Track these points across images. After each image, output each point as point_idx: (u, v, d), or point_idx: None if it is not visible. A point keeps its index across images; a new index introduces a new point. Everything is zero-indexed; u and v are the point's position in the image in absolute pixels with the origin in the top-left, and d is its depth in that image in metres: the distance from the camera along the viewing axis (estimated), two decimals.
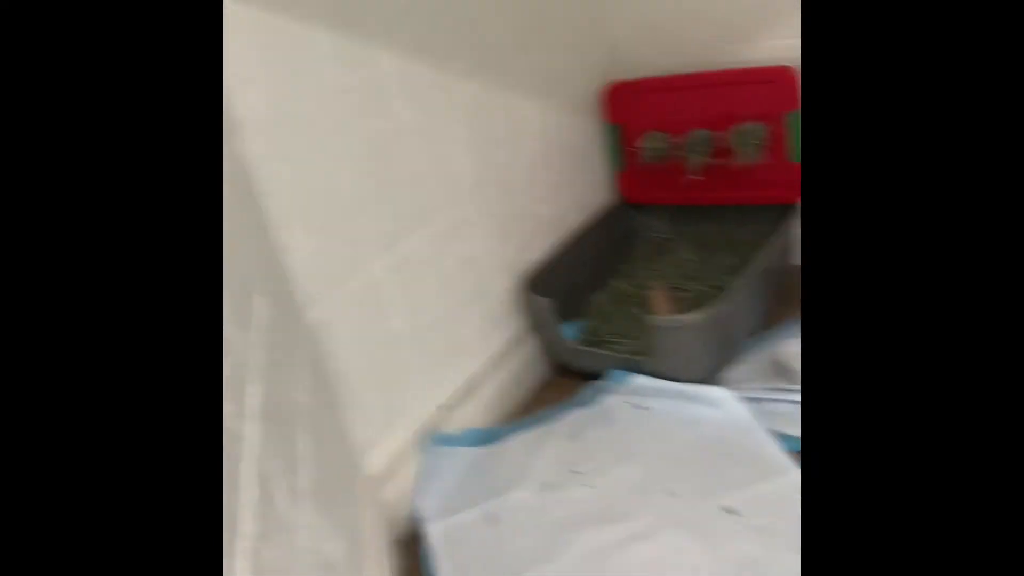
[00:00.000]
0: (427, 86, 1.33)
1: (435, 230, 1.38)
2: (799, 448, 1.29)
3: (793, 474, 1.24)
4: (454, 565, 1.23)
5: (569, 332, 1.62)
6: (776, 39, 1.59)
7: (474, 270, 1.48)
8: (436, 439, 1.42)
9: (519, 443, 1.46)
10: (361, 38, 1.21)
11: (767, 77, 1.54)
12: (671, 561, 1.15)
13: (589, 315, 1.70)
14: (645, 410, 1.45)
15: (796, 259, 1.75)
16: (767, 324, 1.63)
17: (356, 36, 1.20)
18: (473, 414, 1.49)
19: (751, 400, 1.42)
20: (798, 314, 1.62)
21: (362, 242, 1.25)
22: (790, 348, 1.47)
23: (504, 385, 1.56)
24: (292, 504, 0.74)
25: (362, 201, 1.24)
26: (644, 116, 1.70)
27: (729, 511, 1.21)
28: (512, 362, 1.58)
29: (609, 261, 1.83)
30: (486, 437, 1.47)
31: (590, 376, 1.55)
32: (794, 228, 1.67)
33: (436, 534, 1.29)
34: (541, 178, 1.63)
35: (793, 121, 1.54)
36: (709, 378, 1.47)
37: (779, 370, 1.47)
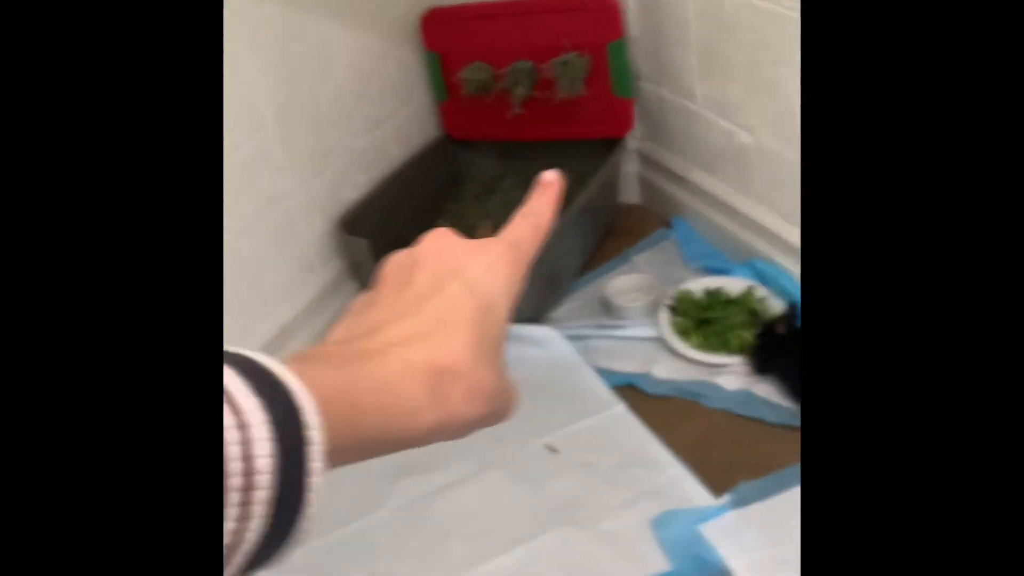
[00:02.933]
0: None
1: (231, 166, 1.24)
2: (624, 382, 1.29)
3: (616, 407, 1.24)
4: None
5: None
6: None
7: (279, 209, 1.36)
8: None
9: None
10: None
11: (589, 4, 1.49)
12: (491, 504, 1.12)
13: None
14: None
15: (623, 196, 1.74)
16: (594, 261, 1.61)
17: None
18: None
19: (576, 338, 1.40)
20: (624, 251, 1.61)
21: None
22: (615, 284, 1.47)
23: (319, 334, 1.46)
24: None
25: None
26: (465, 45, 1.62)
27: (551, 449, 1.19)
28: (328, 309, 1.48)
29: (434, 200, 1.75)
30: None
31: None
32: (620, 164, 1.65)
33: None
34: (355, 110, 1.52)
35: (615, 52, 1.51)
36: (535, 317, 1.44)
37: (604, 307, 1.46)
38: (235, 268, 1.28)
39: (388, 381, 0.27)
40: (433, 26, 1.63)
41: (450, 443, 1.11)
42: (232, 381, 0.22)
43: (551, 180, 0.38)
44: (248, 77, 1.26)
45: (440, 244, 0.33)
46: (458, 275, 0.31)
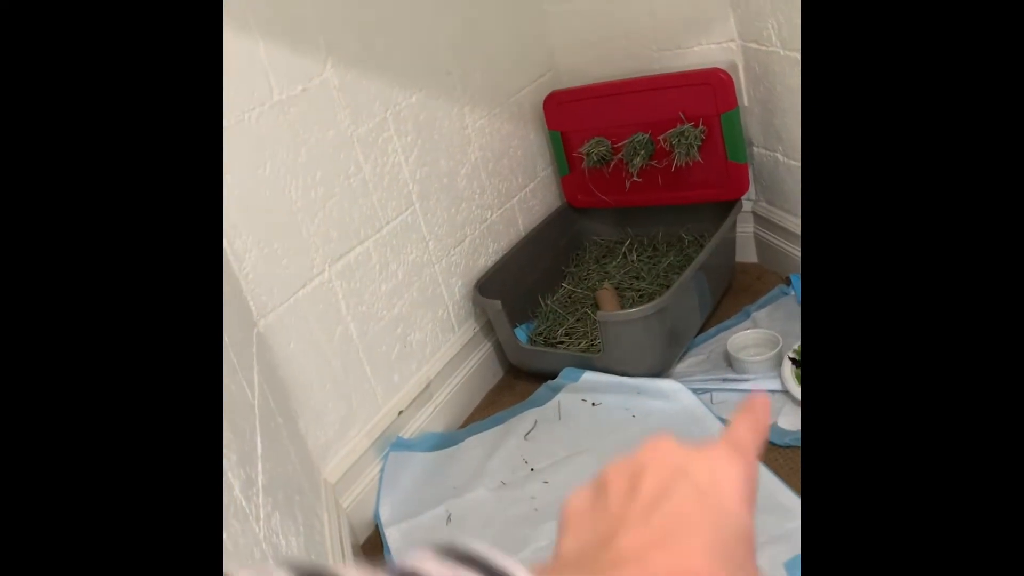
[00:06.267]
0: (371, 97, 1.36)
1: (384, 237, 1.40)
2: None
3: None
4: None
5: (521, 334, 1.65)
6: (708, 44, 1.66)
7: (424, 275, 1.50)
8: (395, 445, 1.44)
9: (476, 444, 1.48)
10: (300, 50, 1.23)
11: (701, 80, 1.60)
12: None
13: (540, 317, 1.74)
14: (598, 405, 1.48)
15: (740, 256, 1.81)
16: (713, 318, 1.67)
17: (295, 48, 1.22)
18: (430, 418, 1.51)
19: (700, 391, 1.46)
20: (744, 307, 1.67)
21: (312, 250, 1.26)
22: (736, 340, 1.52)
23: (459, 388, 1.58)
24: (248, 493, 0.76)
25: (311, 210, 1.26)
26: (584, 122, 1.75)
27: None
28: (467, 365, 1.60)
29: (558, 264, 1.87)
30: (443, 441, 1.49)
31: (543, 376, 1.58)
32: (736, 225, 1.72)
33: (395, 537, 1.30)
34: (487, 185, 1.67)
35: (728, 121, 1.60)
36: (659, 371, 1.51)
37: (726, 361, 1.52)
38: (388, 328, 1.42)
39: None
40: (554, 107, 1.77)
41: None
42: None
43: (762, 400, 0.37)
44: (397, 160, 1.43)
45: (662, 450, 0.33)
46: (685, 478, 0.31)
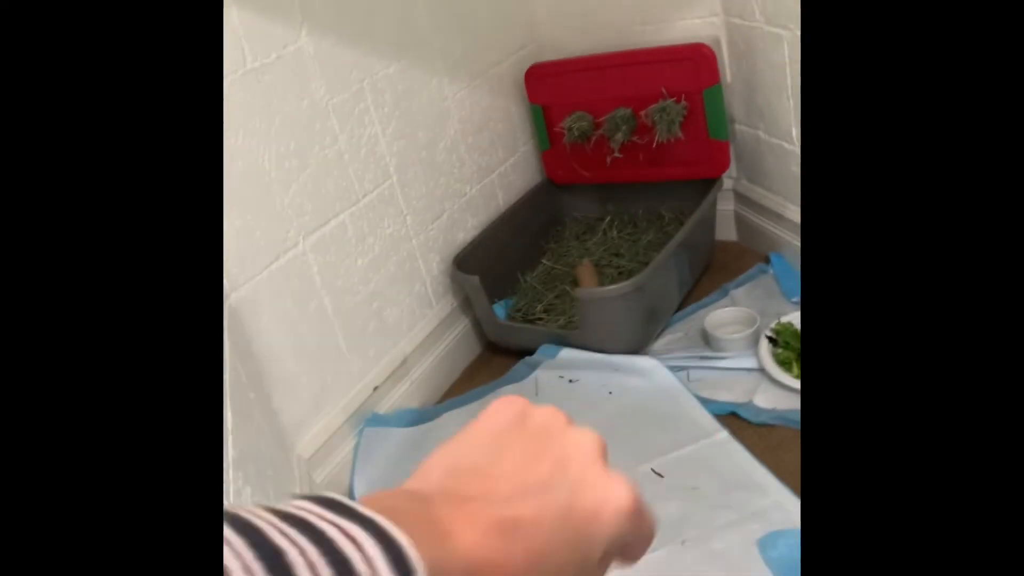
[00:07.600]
0: (347, 66, 1.33)
1: (360, 210, 1.38)
2: (726, 411, 1.34)
3: (719, 434, 1.29)
4: None
5: (499, 310, 1.64)
6: (691, 18, 1.64)
7: (401, 250, 1.48)
8: (370, 420, 1.42)
9: (453, 421, 1.47)
10: (275, 16, 1.20)
11: (684, 55, 1.58)
12: None
13: (518, 293, 1.72)
14: (575, 382, 1.48)
15: (720, 234, 1.80)
16: (691, 296, 1.67)
17: (269, 14, 1.19)
18: (406, 394, 1.50)
19: (678, 368, 1.46)
20: (722, 286, 1.67)
21: (287, 222, 1.24)
22: (714, 317, 1.52)
23: (436, 364, 1.57)
24: None
25: (285, 181, 1.23)
26: (566, 96, 1.73)
27: (656, 474, 1.25)
28: (444, 341, 1.59)
29: (537, 241, 1.86)
30: (419, 417, 1.48)
31: (521, 352, 1.57)
32: (716, 203, 1.72)
33: None
34: (467, 159, 1.64)
35: (711, 97, 1.58)
36: (637, 348, 1.51)
37: (704, 339, 1.51)
38: (364, 303, 1.40)
39: None
40: (536, 80, 1.75)
41: None
42: (375, 553, 0.24)
43: None
44: (374, 131, 1.40)
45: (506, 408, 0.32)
46: (563, 435, 0.31)
